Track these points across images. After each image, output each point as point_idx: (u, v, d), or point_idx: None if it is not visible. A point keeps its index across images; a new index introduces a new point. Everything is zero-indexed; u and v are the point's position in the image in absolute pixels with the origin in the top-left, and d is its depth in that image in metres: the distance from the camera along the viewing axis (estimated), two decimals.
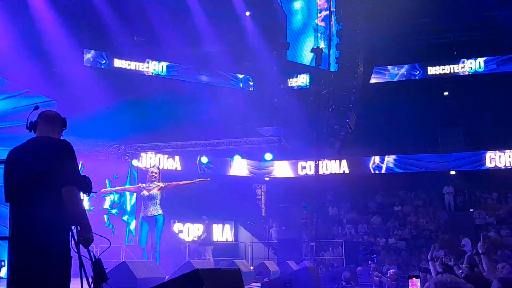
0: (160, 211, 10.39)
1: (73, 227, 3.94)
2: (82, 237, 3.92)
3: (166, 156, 21.34)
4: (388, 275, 12.48)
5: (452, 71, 25.44)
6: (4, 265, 11.02)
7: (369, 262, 15.50)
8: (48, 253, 3.75)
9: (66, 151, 4.00)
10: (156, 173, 10.58)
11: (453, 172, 23.45)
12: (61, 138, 4.19)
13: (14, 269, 3.81)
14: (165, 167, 21.18)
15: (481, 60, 24.69)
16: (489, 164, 22.20)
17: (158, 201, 10.38)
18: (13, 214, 3.91)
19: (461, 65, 25.25)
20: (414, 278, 3.66)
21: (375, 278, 13.05)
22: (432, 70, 25.56)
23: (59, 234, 3.86)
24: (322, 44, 22.85)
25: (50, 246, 3.78)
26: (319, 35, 23.21)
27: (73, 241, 3.94)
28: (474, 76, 24.98)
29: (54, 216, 3.84)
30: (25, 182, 3.85)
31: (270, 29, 23.08)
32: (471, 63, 24.87)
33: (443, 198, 22.96)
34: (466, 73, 25.09)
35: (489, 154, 22.26)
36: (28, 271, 3.72)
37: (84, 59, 22.13)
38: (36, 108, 4.46)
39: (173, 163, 21.42)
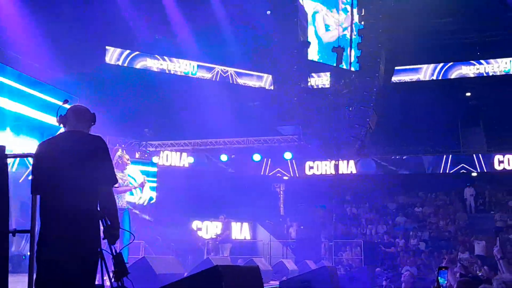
0: None
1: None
2: (110, 233, 3.95)
3: (185, 153, 21.43)
4: (403, 278, 11.99)
5: (474, 71, 25.16)
6: (25, 259, 11.13)
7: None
8: (81, 249, 3.78)
9: (102, 148, 4.02)
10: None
11: (474, 174, 23.19)
12: (92, 134, 4.21)
13: (44, 262, 3.81)
14: (185, 165, 21.30)
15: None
16: (510, 166, 21.89)
17: None
18: (43, 207, 3.91)
19: (483, 65, 24.95)
20: (444, 269, 3.62)
21: None
22: (454, 70, 25.30)
23: (92, 230, 3.89)
24: (342, 43, 22.70)
25: (84, 242, 3.81)
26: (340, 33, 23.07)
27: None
28: (497, 76, 24.67)
29: (89, 212, 3.88)
30: (60, 176, 3.85)
31: (291, 28, 23.00)
32: (506, 63, 24.55)
33: (464, 200, 22.72)
34: (490, 73, 24.79)
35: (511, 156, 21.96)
36: (60, 266, 3.72)
37: (107, 57, 22.33)
38: (66, 101, 4.48)
39: (192, 161, 21.49)
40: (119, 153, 9.06)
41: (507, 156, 22.05)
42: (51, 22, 17.28)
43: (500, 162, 22.12)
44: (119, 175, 8.39)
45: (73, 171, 3.84)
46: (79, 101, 14.51)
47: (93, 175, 3.86)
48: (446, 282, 3.55)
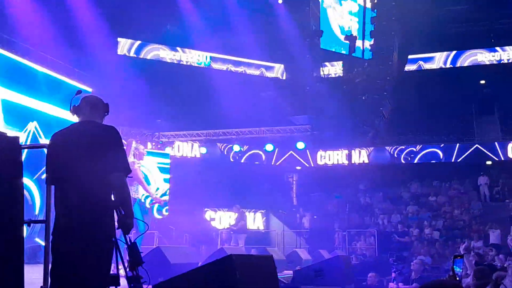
0: None
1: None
2: (124, 222, 3.95)
3: (198, 144, 21.48)
4: (412, 266, 11.78)
5: (489, 59, 24.91)
6: (41, 249, 11.22)
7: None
8: (96, 237, 3.79)
9: (116, 137, 4.04)
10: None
11: (489, 162, 22.99)
12: (105, 124, 4.22)
13: (59, 252, 3.83)
14: (198, 155, 21.36)
15: None
16: None
17: None
18: (57, 197, 3.93)
19: (498, 52, 24.69)
20: (459, 257, 3.59)
21: None
22: (468, 58, 25.06)
23: (107, 218, 3.90)
24: (355, 32, 22.52)
25: (99, 231, 3.82)
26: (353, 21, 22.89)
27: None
28: (511, 64, 24.43)
29: (103, 201, 3.89)
30: (74, 165, 3.87)
31: (303, 17, 22.87)
32: None
33: (477, 189, 22.56)
34: (505, 61, 24.55)
35: None
36: (76, 255, 3.74)
37: (119, 48, 22.38)
38: (79, 92, 4.50)
39: (204, 151, 21.54)
40: (134, 144, 9.10)
41: None
42: (63, 14, 17.35)
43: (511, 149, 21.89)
44: (136, 164, 8.67)
45: (86, 161, 3.85)
46: (92, 93, 14.58)
47: (105, 164, 3.87)
48: (461, 270, 3.52)
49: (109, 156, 3.90)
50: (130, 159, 8.61)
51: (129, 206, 3.98)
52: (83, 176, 3.84)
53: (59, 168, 3.95)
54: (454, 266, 3.50)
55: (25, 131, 12.94)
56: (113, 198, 3.96)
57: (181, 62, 23.93)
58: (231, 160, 22.48)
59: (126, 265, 4.02)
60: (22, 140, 12.85)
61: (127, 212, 3.95)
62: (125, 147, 8.64)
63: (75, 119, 4.28)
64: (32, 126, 12.99)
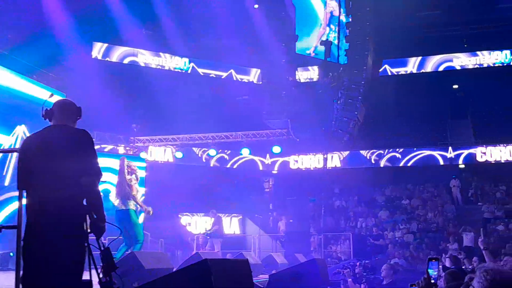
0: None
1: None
2: (97, 226, 3.92)
3: (174, 148, 21.37)
4: (382, 273, 11.66)
5: (462, 63, 25.33)
6: (12, 255, 11.06)
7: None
8: (66, 241, 3.76)
9: (87, 141, 4.02)
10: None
11: (462, 166, 23.35)
12: (77, 128, 4.20)
13: (31, 258, 3.79)
14: (173, 160, 21.27)
15: (507, 52, 24.57)
16: (497, 158, 22.03)
17: None
18: (29, 201, 3.91)
19: (471, 57, 25.12)
20: (434, 260, 3.62)
21: None
22: (442, 63, 25.44)
23: (77, 222, 3.87)
24: (331, 36, 22.69)
25: (71, 236, 3.79)
26: (328, 27, 23.06)
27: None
28: (484, 68, 24.85)
29: (74, 205, 3.85)
30: (45, 170, 3.85)
31: (278, 22, 22.96)
32: (497, 54, 24.71)
33: (451, 192, 22.86)
34: (478, 66, 24.98)
35: (498, 148, 22.10)
36: (48, 260, 3.71)
37: (93, 52, 22.17)
38: (51, 95, 4.46)
39: (180, 156, 21.44)
40: (126, 162, 9.39)
41: (489, 148, 22.16)
42: (38, 17, 17.14)
43: (483, 153, 22.26)
44: (134, 182, 9.22)
45: (57, 166, 3.83)
46: (66, 97, 14.42)
47: (77, 168, 3.85)
48: (436, 273, 3.55)
49: (80, 160, 3.88)
50: (126, 176, 9.09)
51: (101, 210, 3.95)
52: (54, 180, 3.81)
53: (30, 173, 3.92)
54: (429, 269, 3.53)
55: (13, 135, 12.79)
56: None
57: (157, 67, 23.78)
58: (207, 164, 22.43)
59: (99, 270, 3.99)
60: (10, 144, 12.73)
61: (99, 216, 3.92)
62: (119, 167, 9.01)
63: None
64: (20, 130, 12.84)
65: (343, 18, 22.16)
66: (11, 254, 11.30)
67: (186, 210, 20.40)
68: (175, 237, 18.61)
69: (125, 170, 9.22)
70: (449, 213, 21.70)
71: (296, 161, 23.43)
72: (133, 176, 9.43)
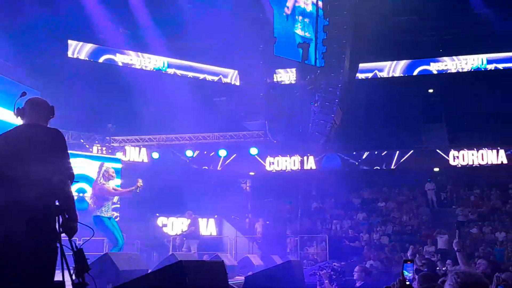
0: None
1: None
2: (68, 226, 3.86)
3: (150, 149, 21.23)
4: (355, 276, 11.56)
5: (437, 68, 25.63)
6: None
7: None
8: (37, 242, 3.71)
9: (59, 141, 3.97)
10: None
11: (436, 169, 23.62)
12: (49, 127, 4.14)
13: (0, 257, 3.72)
14: (149, 161, 21.13)
15: (483, 57, 24.89)
16: (470, 161, 22.33)
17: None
18: None
19: (446, 62, 25.43)
20: (409, 262, 3.66)
21: None
22: (418, 67, 25.70)
23: (48, 222, 3.81)
24: (307, 39, 22.75)
25: (41, 236, 3.74)
26: (300, 28, 23.07)
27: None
28: (459, 73, 25.17)
29: (45, 205, 3.80)
30: (15, 169, 3.78)
31: (256, 24, 22.97)
32: (473, 59, 25.04)
33: (426, 195, 23.11)
34: (453, 70, 25.28)
35: (471, 151, 22.40)
36: (18, 262, 3.66)
37: (69, 50, 21.92)
38: (24, 94, 4.39)
39: (157, 157, 21.31)
40: (104, 167, 9.44)
41: (462, 152, 22.43)
42: (12, 14, 16.89)
43: (456, 157, 22.53)
44: (107, 184, 9.20)
45: (28, 165, 3.77)
46: (41, 96, 14.23)
47: (48, 168, 3.79)
48: (411, 274, 3.59)
49: (52, 160, 3.83)
50: (100, 180, 9.13)
51: (73, 210, 3.90)
52: (25, 180, 3.75)
53: (1, 172, 3.83)
54: (404, 271, 3.56)
55: None
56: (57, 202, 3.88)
57: (134, 66, 23.61)
58: (184, 165, 22.33)
59: (71, 271, 3.93)
60: None
61: (71, 215, 3.87)
62: (97, 170, 9.02)
63: (19, 121, 4.18)
64: None
65: (321, 21, 22.22)
66: None
67: (162, 211, 20.26)
68: (151, 238, 18.48)
69: (101, 175, 9.26)
70: (424, 215, 21.93)
71: (272, 163, 23.47)
72: (110, 182, 9.41)
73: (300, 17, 22.51)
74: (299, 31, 22.42)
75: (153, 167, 20.66)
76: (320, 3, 22.17)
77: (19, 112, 4.15)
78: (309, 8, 22.54)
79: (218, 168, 24.01)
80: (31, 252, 3.69)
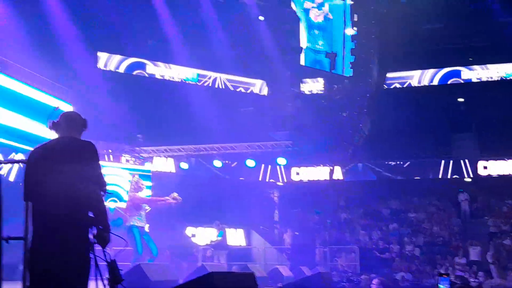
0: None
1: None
2: (101, 236, 3.90)
3: (179, 159, 21.35)
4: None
5: (467, 76, 25.29)
6: (19, 266, 11.00)
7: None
8: (71, 252, 3.75)
9: (92, 152, 4.04)
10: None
11: (467, 179, 23.23)
12: (82, 139, 4.22)
13: (37, 269, 3.78)
14: (178, 171, 21.25)
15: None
16: (501, 171, 21.92)
17: None
18: (34, 213, 3.91)
19: (476, 71, 25.09)
20: (445, 276, 3.59)
21: None
22: (447, 76, 25.40)
23: (82, 233, 3.86)
24: (335, 49, 22.70)
25: (76, 247, 3.79)
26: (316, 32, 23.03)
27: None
28: (489, 82, 24.79)
29: (79, 216, 3.85)
30: (50, 181, 3.84)
31: (283, 34, 23.04)
32: (503, 68, 24.67)
33: (457, 205, 22.74)
34: (483, 79, 24.92)
35: (502, 161, 22.00)
36: (53, 272, 3.70)
37: (99, 62, 22.26)
38: (57, 108, 4.50)
39: (185, 167, 21.43)
40: (135, 178, 9.86)
41: (492, 161, 22.04)
42: (43, 28, 17.23)
43: (485, 167, 22.15)
44: (137, 195, 9.51)
45: (62, 177, 3.83)
46: (72, 108, 14.46)
47: (82, 179, 3.85)
48: None
49: (85, 171, 3.89)
50: (131, 191, 9.53)
51: (106, 220, 3.95)
52: (60, 192, 3.81)
53: (36, 184, 3.92)
54: (439, 284, 3.49)
55: None
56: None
57: (162, 77, 23.86)
58: (213, 175, 22.39)
59: (105, 282, 3.96)
60: None
61: (104, 226, 3.92)
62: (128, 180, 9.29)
63: (53, 135, 4.26)
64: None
65: (349, 31, 22.18)
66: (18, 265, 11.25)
67: (191, 221, 20.31)
68: (180, 249, 18.53)
69: (132, 187, 9.65)
70: (455, 226, 21.57)
71: (298, 173, 23.41)
72: (139, 193, 9.59)
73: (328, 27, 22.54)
74: (308, 44, 22.51)
75: (181, 177, 20.76)
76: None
77: (54, 126, 4.24)
78: (319, 19, 22.51)
79: (246, 178, 24.02)
80: (65, 262, 3.73)
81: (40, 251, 3.78)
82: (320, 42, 22.48)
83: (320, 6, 22.80)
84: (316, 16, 22.54)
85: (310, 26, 22.64)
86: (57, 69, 16.98)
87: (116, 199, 16.25)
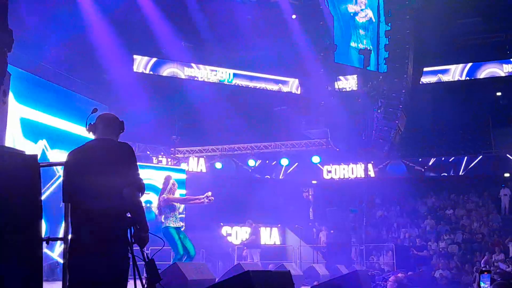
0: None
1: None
2: (139, 236, 3.97)
3: (213, 159, 21.51)
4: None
5: (505, 70, 24.77)
6: (59, 266, 11.28)
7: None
8: (110, 253, 3.82)
9: (129, 154, 4.09)
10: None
11: (507, 174, 22.75)
12: (119, 141, 4.28)
13: (76, 270, 3.85)
14: (213, 171, 21.39)
15: None
16: None
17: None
18: (73, 215, 3.99)
19: None
20: (486, 273, 3.53)
21: None
22: (483, 70, 24.92)
23: (121, 233, 3.92)
24: (369, 45, 22.54)
25: (115, 248, 3.84)
26: (362, 32, 22.89)
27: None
28: None
29: (117, 216, 3.91)
30: (89, 182, 3.92)
31: (316, 31, 22.96)
32: None
33: (496, 201, 22.28)
34: None
35: None
36: (92, 273, 3.77)
37: (134, 65, 22.59)
38: (95, 110, 4.56)
39: (220, 167, 21.57)
40: (171, 181, 9.72)
41: None
42: (79, 32, 17.56)
43: None
44: (172, 196, 9.52)
45: (100, 178, 3.90)
46: (108, 109, 14.71)
47: (119, 180, 3.91)
48: (487, 286, 3.45)
49: (122, 173, 3.95)
50: (166, 193, 9.43)
51: (144, 220, 3.99)
52: (97, 193, 3.88)
53: (75, 186, 3.99)
54: (480, 281, 3.44)
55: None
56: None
57: (197, 78, 24.04)
58: (247, 175, 22.48)
59: (143, 281, 4.03)
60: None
61: (142, 226, 3.97)
62: (163, 181, 9.36)
63: (90, 135, 4.33)
64: (41, 143, 13.13)
65: (382, 26, 21.95)
66: (57, 264, 11.52)
67: (226, 221, 20.45)
68: (215, 248, 18.67)
69: (167, 189, 9.52)
70: (495, 223, 21.14)
71: (330, 171, 23.30)
72: (172, 195, 9.68)
73: (361, 24, 22.37)
74: (353, 44, 22.37)
75: (216, 177, 20.92)
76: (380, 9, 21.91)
77: (91, 128, 4.30)
78: (363, 20, 22.38)
79: (280, 177, 24.06)
80: (104, 262, 3.79)
81: (81, 252, 3.84)
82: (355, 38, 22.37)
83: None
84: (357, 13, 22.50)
85: (347, 23, 22.55)
86: (94, 72, 17.30)
87: (151, 200, 16.48)
